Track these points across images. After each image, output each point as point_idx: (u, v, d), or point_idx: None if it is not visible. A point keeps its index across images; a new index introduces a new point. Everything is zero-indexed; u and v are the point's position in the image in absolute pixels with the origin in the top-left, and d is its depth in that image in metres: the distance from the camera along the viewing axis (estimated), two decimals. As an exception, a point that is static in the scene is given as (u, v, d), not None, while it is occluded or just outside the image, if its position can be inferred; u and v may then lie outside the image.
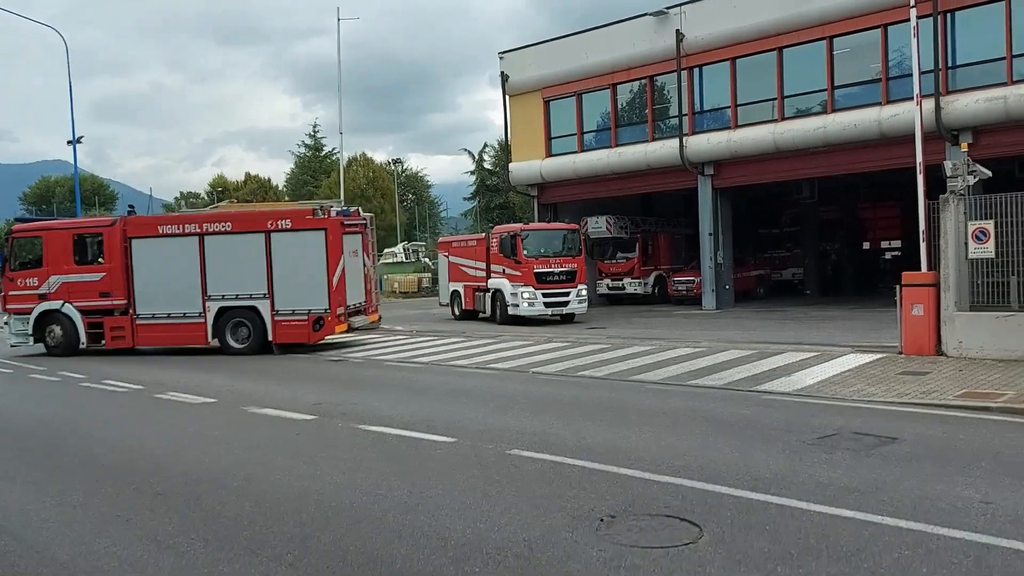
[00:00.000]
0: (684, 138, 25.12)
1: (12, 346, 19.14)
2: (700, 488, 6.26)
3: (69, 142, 34.08)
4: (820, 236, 32.14)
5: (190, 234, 17.89)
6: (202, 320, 17.86)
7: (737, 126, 24.41)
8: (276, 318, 17.54)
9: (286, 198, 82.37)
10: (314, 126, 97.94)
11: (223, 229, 17.78)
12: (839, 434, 7.99)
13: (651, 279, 29.53)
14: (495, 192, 74.07)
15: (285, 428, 9.48)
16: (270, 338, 17.63)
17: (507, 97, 30.11)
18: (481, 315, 23.97)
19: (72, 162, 37.03)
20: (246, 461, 7.82)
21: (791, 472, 6.66)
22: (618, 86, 27.35)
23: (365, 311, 18.81)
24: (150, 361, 17.31)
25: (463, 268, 25.13)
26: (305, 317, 17.41)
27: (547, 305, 22.42)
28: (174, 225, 18.34)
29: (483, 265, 23.76)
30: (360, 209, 19.96)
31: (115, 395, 12.74)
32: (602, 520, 5.61)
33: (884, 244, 36.33)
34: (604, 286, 29.88)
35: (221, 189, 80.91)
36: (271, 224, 17.52)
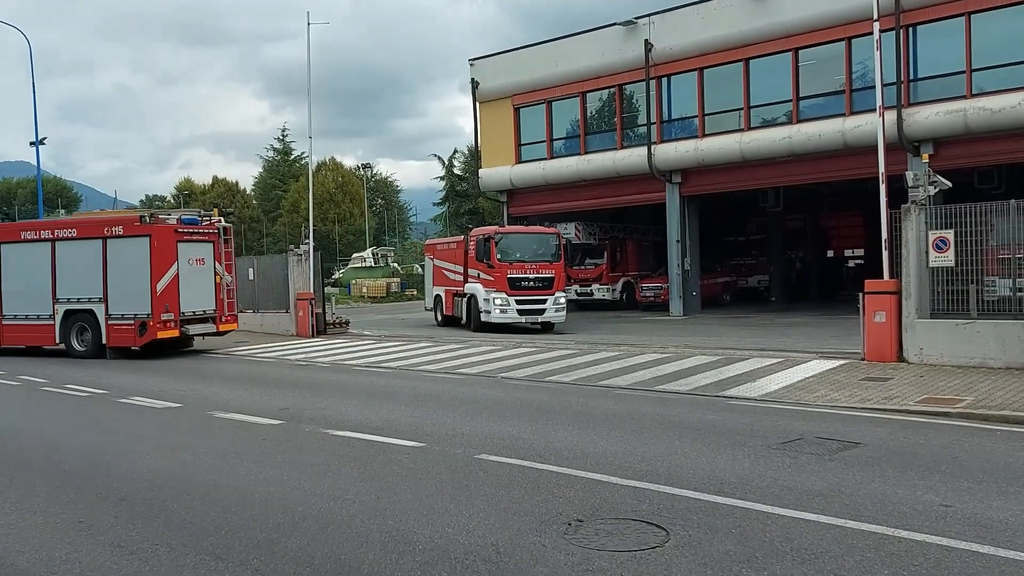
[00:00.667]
0: (652, 146, 25.35)
1: None
2: (666, 492, 6.30)
3: (32, 143, 33.45)
4: (785, 244, 32.59)
5: (44, 240, 18.46)
6: (52, 322, 18.33)
7: (704, 135, 24.68)
8: (109, 322, 17.79)
9: (254, 202, 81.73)
10: (283, 130, 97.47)
11: (70, 235, 18.33)
12: (803, 439, 8.10)
13: (619, 285, 29.74)
14: (464, 198, 74.11)
15: (251, 433, 9.37)
16: (104, 341, 17.84)
17: (477, 104, 30.18)
18: (462, 321, 23.35)
19: (35, 164, 36.38)
20: (212, 467, 7.72)
21: (756, 476, 6.73)
22: (588, 94, 27.54)
23: (216, 320, 18.68)
24: (113, 365, 17.00)
25: (445, 272, 24.64)
26: (132, 322, 17.55)
27: (521, 313, 21.66)
28: (32, 231, 18.97)
29: (462, 269, 23.28)
30: (220, 218, 19.77)
31: (78, 400, 12.50)
32: (569, 524, 5.62)
33: (847, 252, 36.99)
34: (573, 292, 29.98)
35: (188, 192, 79.89)
36: (107, 231, 17.90)
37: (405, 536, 5.48)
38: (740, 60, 23.75)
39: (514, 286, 21.62)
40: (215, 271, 18.55)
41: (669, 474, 6.84)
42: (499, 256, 21.78)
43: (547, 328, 22.22)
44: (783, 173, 23.74)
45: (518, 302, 21.60)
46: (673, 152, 25.09)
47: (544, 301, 21.73)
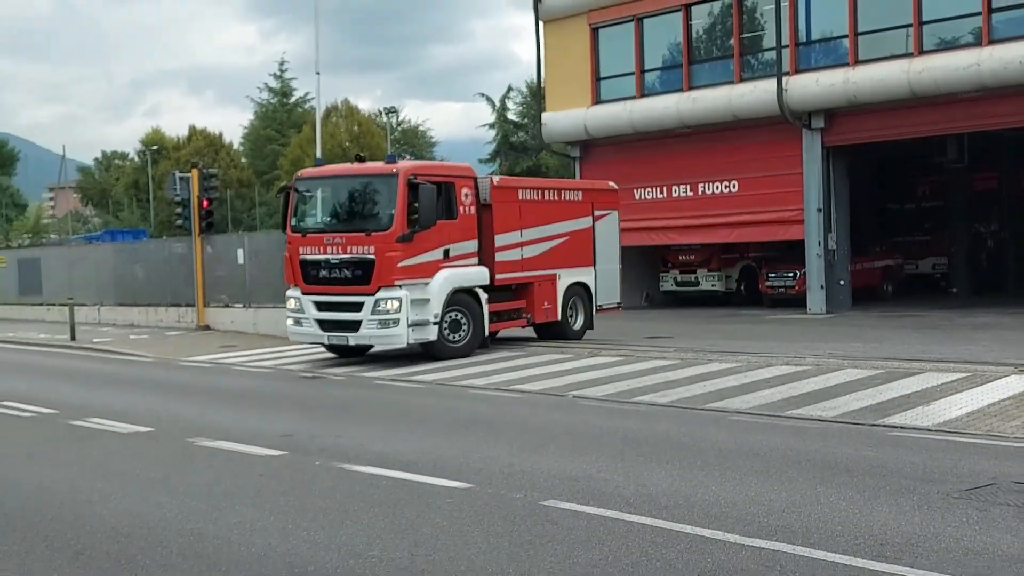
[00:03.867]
0: (784, 78, 24.98)
1: None
2: (805, 555, 6.28)
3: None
4: (972, 214, 31.72)
5: None
6: None
7: (857, 62, 24.23)
8: None
9: (243, 160, 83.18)
10: (281, 64, 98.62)
11: None
12: (995, 484, 7.97)
13: (735, 271, 29.44)
14: (522, 152, 74.21)
15: (245, 467, 9.61)
16: None
17: (540, 24, 30.13)
18: None
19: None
20: (194, 511, 7.95)
21: (930, 535, 6.66)
22: (692, 7, 27.25)
23: None
24: (57, 374, 17.56)
25: None
26: None
27: (323, 327, 17.76)
28: None
29: None
30: None
31: (19, 421, 12.98)
32: (672, 596, 5.66)
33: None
34: (670, 281, 29.81)
35: (156, 148, 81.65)
36: None
37: (450, 608, 5.58)
38: (908, -42, 23.26)
39: (309, 278, 17.89)
40: None
41: (808, 531, 6.81)
42: (296, 220, 18.39)
43: (422, 356, 18.04)
44: (969, 115, 23.20)
45: (317, 307, 17.76)
46: (814, 86, 24.69)
47: (357, 308, 17.19)
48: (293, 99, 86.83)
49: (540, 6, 29.71)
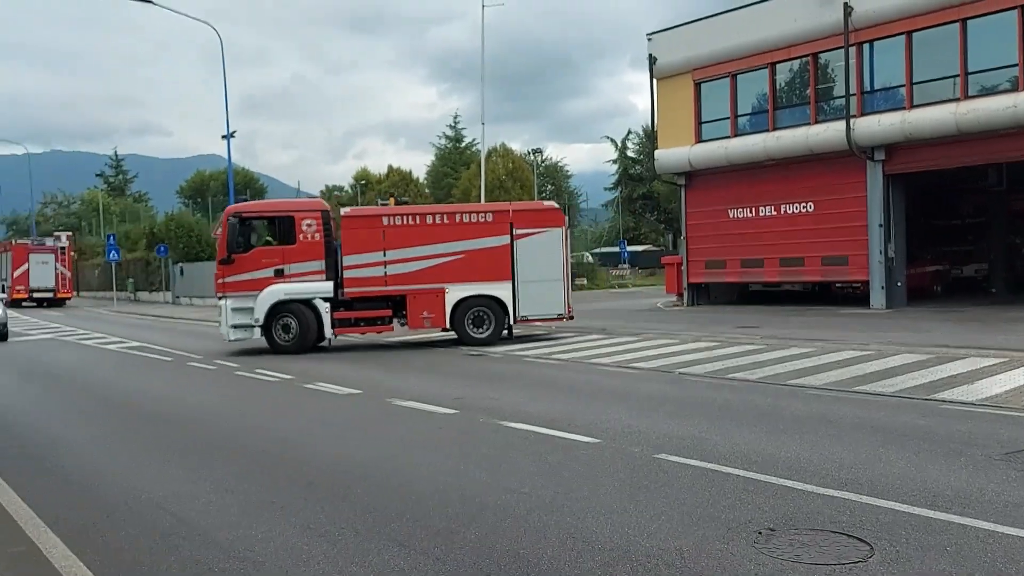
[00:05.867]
0: (851, 120, 24.01)
1: None
2: (869, 503, 6.02)
3: (223, 136, 36.50)
4: (1009, 229, 29.84)
5: None
6: None
7: (913, 106, 23.07)
8: None
9: (427, 190, 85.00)
10: (455, 117, 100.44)
11: None
12: (1033, 451, 7.45)
13: (811, 275, 28.37)
14: (638, 181, 73.49)
15: (428, 422, 9.82)
16: None
17: (654, 81, 29.80)
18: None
19: (223, 155, 39.72)
20: (391, 454, 8.18)
21: (975, 490, 6.28)
22: (777, 65, 26.48)
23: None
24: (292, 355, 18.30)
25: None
26: None
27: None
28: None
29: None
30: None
31: (267, 384, 13.60)
32: (760, 533, 5.50)
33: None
34: (759, 283, 29.00)
35: (364, 182, 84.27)
36: None
37: (584, 535, 5.57)
38: (955, 20, 21.96)
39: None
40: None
41: (872, 484, 6.52)
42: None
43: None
44: (1007, 147, 21.73)
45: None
46: (876, 126, 23.64)
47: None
48: (464, 143, 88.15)
49: (655, 68, 29.45)
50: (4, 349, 21.76)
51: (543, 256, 18.44)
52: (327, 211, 18.87)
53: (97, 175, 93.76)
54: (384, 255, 18.31)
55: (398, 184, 77.56)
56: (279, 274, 18.11)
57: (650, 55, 29.41)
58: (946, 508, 5.86)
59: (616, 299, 36.65)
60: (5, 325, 23.98)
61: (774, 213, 26.97)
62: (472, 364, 15.53)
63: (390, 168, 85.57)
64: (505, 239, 18.39)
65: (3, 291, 39.36)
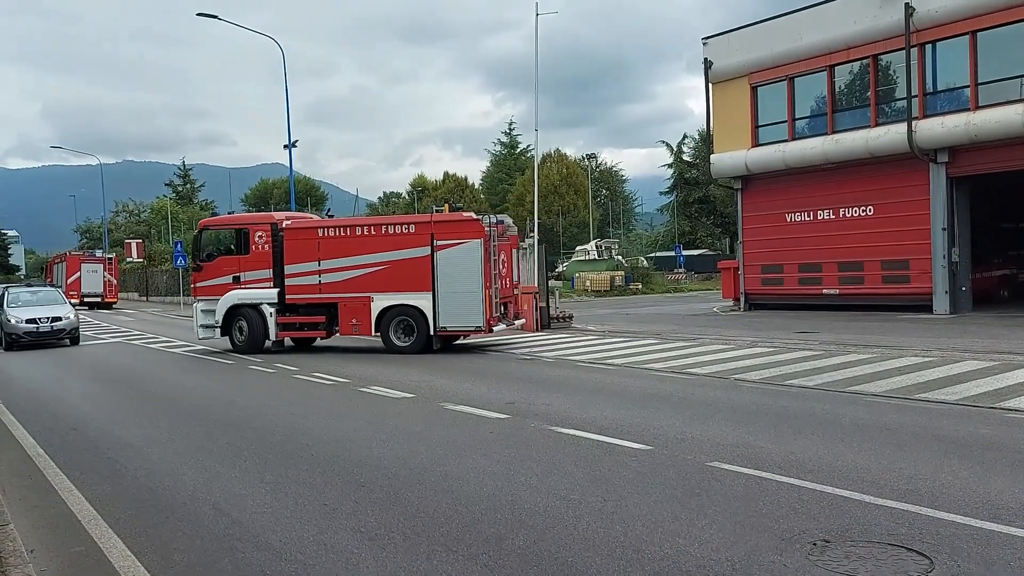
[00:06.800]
0: (913, 122, 23.35)
1: None
2: (930, 515, 5.80)
3: (285, 146, 37.18)
4: (1081, 231, 28.69)
5: None
6: None
7: (977, 107, 22.35)
8: None
9: (482, 196, 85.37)
10: (510, 123, 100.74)
11: None
12: (1106, 463, 7.10)
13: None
14: (694, 185, 72.69)
15: (479, 426, 9.80)
16: None
17: (710, 84, 29.45)
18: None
19: (286, 164, 40.46)
20: (442, 458, 8.17)
21: (1044, 504, 6.01)
22: (836, 67, 25.92)
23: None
24: (350, 357, 18.51)
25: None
26: None
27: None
28: None
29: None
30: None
31: (323, 387, 13.76)
32: (815, 544, 5.33)
33: None
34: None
35: (421, 189, 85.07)
36: None
37: (633, 544, 5.48)
38: (1022, 20, 21.25)
39: None
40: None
41: (933, 495, 6.28)
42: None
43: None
44: (1079, 147, 20.93)
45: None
46: (939, 128, 22.95)
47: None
48: (518, 150, 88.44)
49: (710, 72, 29.11)
50: (76, 353, 22.45)
51: (462, 267, 18.08)
52: (276, 224, 20.05)
53: (166, 184, 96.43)
54: (319, 264, 19.15)
55: (454, 190, 78.11)
56: (236, 281, 19.87)
57: (705, 59, 29.08)
58: (1010, 521, 5.61)
59: (671, 304, 36.24)
60: (77, 329, 24.76)
61: (832, 217, 26.40)
62: (524, 369, 15.48)
63: (446, 175, 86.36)
64: (426, 250, 18.22)
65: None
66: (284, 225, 19.84)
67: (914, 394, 10.89)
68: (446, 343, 19.02)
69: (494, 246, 18.14)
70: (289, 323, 19.60)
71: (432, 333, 18.35)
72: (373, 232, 19.04)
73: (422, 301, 18.29)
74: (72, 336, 24.45)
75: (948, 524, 5.61)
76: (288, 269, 19.38)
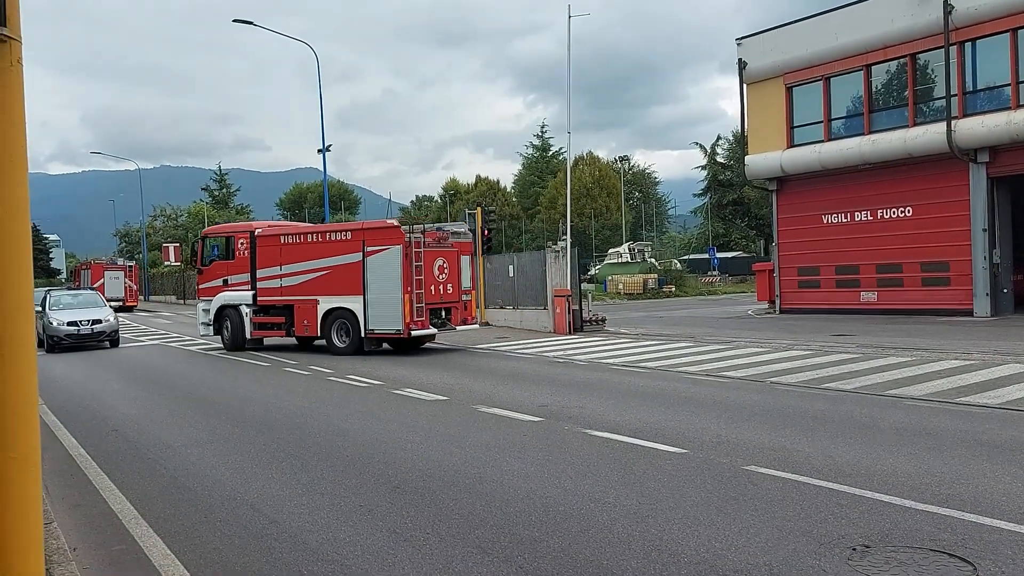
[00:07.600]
0: (952, 121, 22.98)
1: None
2: (972, 521, 5.69)
3: (319, 150, 37.55)
4: None
5: None
6: None
7: (1018, 106, 21.94)
8: None
9: (514, 199, 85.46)
10: (542, 126, 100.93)
11: None
12: None
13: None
14: (728, 187, 72.10)
15: (513, 429, 9.80)
16: None
17: (744, 85, 29.22)
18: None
19: (319, 168, 40.82)
20: (476, 460, 8.19)
21: (1091, 511, 5.87)
22: (872, 67, 25.60)
23: None
24: (383, 360, 18.62)
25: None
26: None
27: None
28: None
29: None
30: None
31: (357, 389, 13.85)
32: (855, 549, 5.26)
33: None
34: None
35: (453, 192, 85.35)
36: None
37: (669, 547, 5.44)
38: (1067, 14, 20.84)
39: None
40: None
41: (976, 500, 6.17)
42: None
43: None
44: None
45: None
46: (979, 127, 22.56)
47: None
48: (550, 152, 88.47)
49: (745, 72, 28.89)
50: (116, 355, 22.83)
51: (385, 273, 18.73)
52: (252, 232, 21.68)
53: (203, 189, 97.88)
54: (280, 269, 20.70)
55: (486, 193, 78.28)
56: (225, 283, 21.90)
57: (740, 59, 28.87)
58: (1058, 529, 5.48)
59: (705, 306, 35.98)
60: (116, 332, 25.18)
61: (870, 218, 26.08)
62: (557, 371, 15.46)
63: (478, 178, 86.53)
64: (358, 256, 19.13)
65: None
66: (257, 233, 21.57)
67: (955, 398, 10.70)
68: (408, 346, 20.01)
69: (417, 252, 18.68)
70: (262, 323, 21.29)
71: (363, 335, 19.21)
72: (320, 239, 20.27)
73: (355, 304, 19.30)
74: (112, 338, 24.88)
75: (992, 530, 5.50)
76: (259, 273, 21.12)
